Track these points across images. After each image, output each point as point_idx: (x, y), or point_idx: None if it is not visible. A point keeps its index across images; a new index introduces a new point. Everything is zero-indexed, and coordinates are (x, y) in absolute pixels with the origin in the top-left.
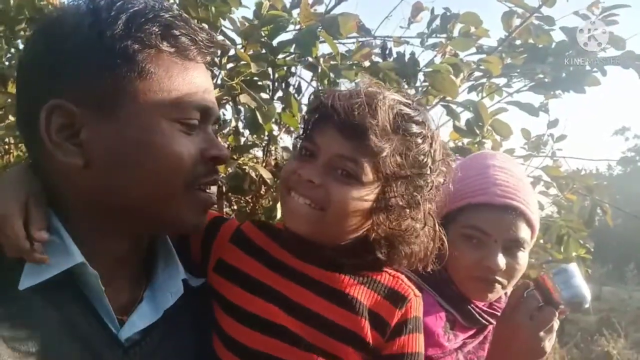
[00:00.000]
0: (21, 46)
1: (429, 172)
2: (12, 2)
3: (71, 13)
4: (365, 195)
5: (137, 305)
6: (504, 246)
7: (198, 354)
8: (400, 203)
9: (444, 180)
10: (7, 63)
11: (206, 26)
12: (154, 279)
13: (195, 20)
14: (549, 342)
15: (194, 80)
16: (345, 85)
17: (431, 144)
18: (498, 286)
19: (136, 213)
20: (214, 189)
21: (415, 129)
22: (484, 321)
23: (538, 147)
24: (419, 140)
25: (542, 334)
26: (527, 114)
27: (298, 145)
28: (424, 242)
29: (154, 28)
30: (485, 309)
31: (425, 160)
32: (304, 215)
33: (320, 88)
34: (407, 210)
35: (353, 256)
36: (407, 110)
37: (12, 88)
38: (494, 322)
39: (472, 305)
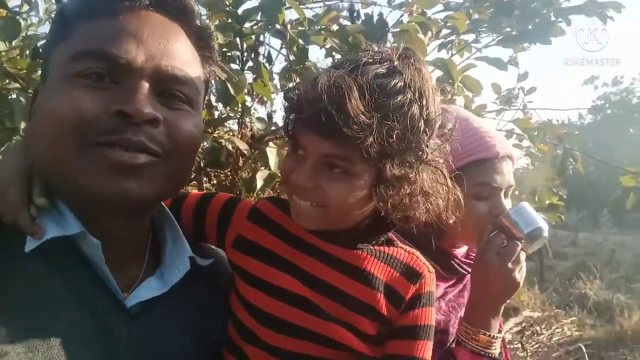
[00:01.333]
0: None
1: (424, 136)
2: None
3: None
4: (361, 184)
5: (144, 281)
6: (504, 192)
7: (203, 330)
8: (399, 175)
9: (447, 134)
10: None
11: None
12: (162, 257)
13: None
14: (519, 273)
15: (106, 32)
16: (310, 72)
17: (420, 105)
18: None
19: (48, 181)
20: (125, 150)
21: (398, 99)
22: (462, 270)
23: (509, 101)
24: (405, 109)
25: (510, 265)
26: (496, 68)
27: (289, 142)
28: (441, 197)
29: None
30: (464, 259)
31: (417, 125)
32: (309, 214)
33: (290, 57)
34: (408, 181)
35: (368, 233)
36: (380, 81)
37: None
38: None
39: (452, 256)
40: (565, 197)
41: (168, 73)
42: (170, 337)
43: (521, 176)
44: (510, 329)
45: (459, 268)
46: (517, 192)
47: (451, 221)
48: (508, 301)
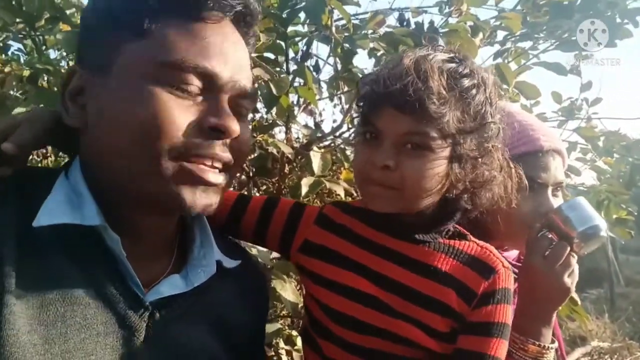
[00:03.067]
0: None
1: (490, 118)
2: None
3: None
4: (438, 161)
5: (167, 277)
6: (552, 190)
7: (227, 329)
8: (472, 155)
9: (502, 121)
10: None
11: None
12: (188, 257)
13: None
14: (569, 278)
15: (194, 39)
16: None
17: (485, 90)
18: None
19: (121, 183)
20: (209, 165)
21: (466, 82)
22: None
23: (572, 112)
24: (474, 92)
25: (558, 268)
26: (555, 74)
27: (359, 130)
28: (503, 181)
29: None
30: (514, 262)
31: (484, 109)
32: (385, 197)
33: (338, 66)
34: (480, 160)
35: (432, 224)
36: (453, 66)
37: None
38: None
39: None
40: (635, 213)
41: (242, 88)
42: (190, 334)
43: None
44: (578, 359)
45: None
46: None
47: (513, 204)
48: (574, 328)
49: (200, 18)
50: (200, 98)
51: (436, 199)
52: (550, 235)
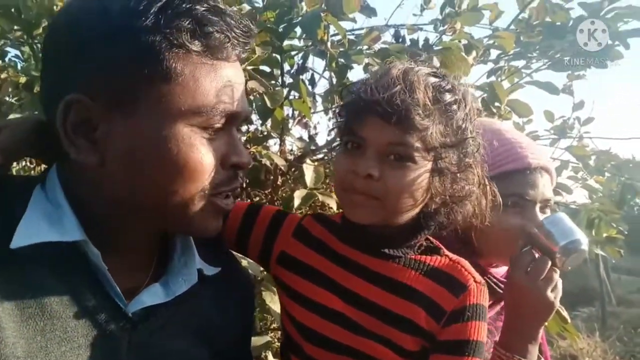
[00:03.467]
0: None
1: (470, 134)
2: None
3: None
4: (420, 173)
5: (148, 287)
6: (540, 207)
7: (211, 336)
8: (452, 169)
9: (482, 138)
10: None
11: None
12: (169, 266)
13: None
14: (553, 293)
15: (222, 82)
16: (372, 69)
17: (465, 106)
18: None
19: (147, 216)
20: (233, 197)
21: (448, 97)
22: (500, 291)
23: (564, 130)
24: (455, 107)
25: (540, 283)
26: (547, 92)
27: (342, 139)
28: (478, 198)
29: (185, 23)
30: (502, 279)
31: (464, 125)
32: (367, 207)
33: (333, 80)
34: (459, 175)
35: (409, 238)
36: (436, 80)
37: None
38: None
39: (488, 275)
40: (626, 232)
41: (247, 116)
42: (173, 343)
43: (576, 209)
44: None
45: (497, 288)
46: None
47: (487, 222)
48: (565, 347)
49: (225, 58)
50: (219, 133)
51: (416, 212)
52: (533, 251)
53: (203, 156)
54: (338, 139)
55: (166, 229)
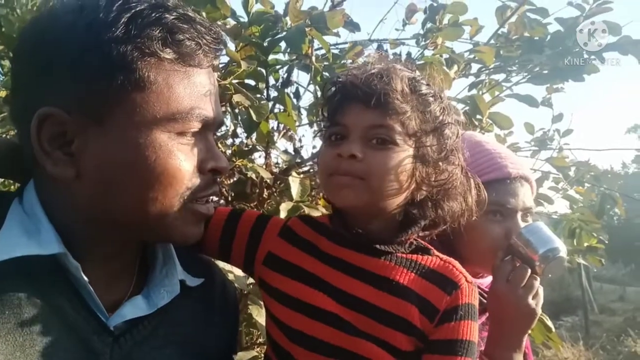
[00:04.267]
0: None
1: (448, 124)
2: (15, 25)
3: (64, 12)
4: (403, 156)
5: (129, 299)
6: (521, 215)
7: (194, 347)
8: (435, 155)
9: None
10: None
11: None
12: (150, 276)
13: None
14: (534, 300)
15: (196, 88)
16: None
17: (441, 101)
18: None
19: (128, 225)
20: (214, 200)
21: (425, 89)
22: (485, 301)
23: (544, 142)
24: (431, 99)
25: (521, 291)
26: (527, 105)
27: (325, 135)
28: (463, 193)
29: (155, 32)
30: (487, 289)
31: (441, 117)
32: (350, 187)
33: (317, 93)
34: (443, 160)
35: (400, 233)
36: (412, 75)
37: None
38: None
39: None
40: (606, 241)
41: (221, 122)
42: (156, 356)
43: (558, 219)
44: None
45: (482, 299)
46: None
47: (473, 218)
48: (550, 356)
49: (197, 64)
50: (195, 139)
51: (401, 199)
52: (514, 260)
53: (181, 162)
54: (323, 135)
55: (146, 238)
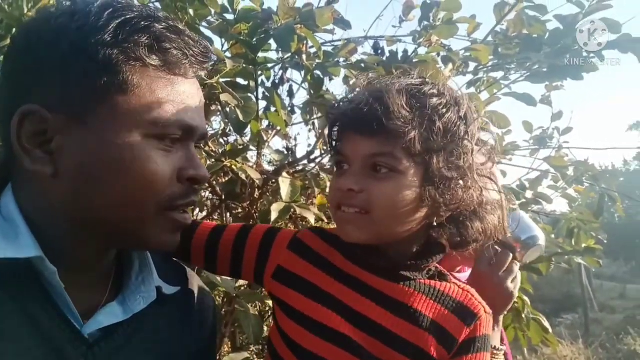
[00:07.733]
0: None
1: (465, 137)
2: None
3: (57, 15)
4: (408, 183)
5: (105, 306)
6: None
7: (170, 355)
8: (447, 175)
9: (490, 152)
10: None
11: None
12: (126, 283)
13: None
14: (513, 283)
15: (179, 96)
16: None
17: (458, 110)
18: None
19: (102, 229)
20: (189, 211)
21: (434, 100)
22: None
23: (543, 140)
24: (443, 110)
25: (501, 274)
26: (525, 104)
27: (332, 164)
28: (494, 210)
29: (143, 39)
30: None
31: (456, 128)
32: (353, 222)
33: (311, 91)
34: (457, 180)
35: (420, 259)
36: (416, 86)
37: None
38: None
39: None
40: (605, 241)
41: (204, 133)
42: None
43: (557, 218)
44: None
45: None
46: (552, 235)
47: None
48: (550, 354)
49: (182, 74)
50: (178, 146)
51: (414, 227)
52: (496, 247)
53: (158, 167)
54: (332, 163)
55: (123, 244)
